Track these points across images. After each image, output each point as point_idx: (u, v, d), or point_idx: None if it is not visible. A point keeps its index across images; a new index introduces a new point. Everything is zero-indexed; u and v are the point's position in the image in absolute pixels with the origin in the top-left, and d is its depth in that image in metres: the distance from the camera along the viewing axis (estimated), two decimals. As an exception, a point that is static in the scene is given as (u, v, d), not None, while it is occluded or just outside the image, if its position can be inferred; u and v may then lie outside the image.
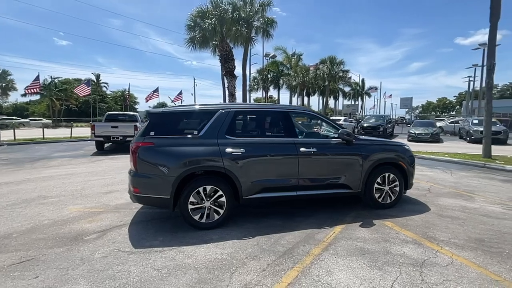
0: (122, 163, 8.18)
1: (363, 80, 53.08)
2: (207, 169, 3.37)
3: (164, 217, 3.82)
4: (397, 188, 4.20)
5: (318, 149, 3.81)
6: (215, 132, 3.48)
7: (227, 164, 3.39)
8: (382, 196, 4.13)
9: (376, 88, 54.15)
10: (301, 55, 28.73)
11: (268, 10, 16.02)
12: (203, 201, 3.36)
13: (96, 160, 9.03)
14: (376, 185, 4.06)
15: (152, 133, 3.37)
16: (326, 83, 28.20)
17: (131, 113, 12.74)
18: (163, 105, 36.04)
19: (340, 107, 52.54)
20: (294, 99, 36.99)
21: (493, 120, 13.09)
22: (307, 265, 2.55)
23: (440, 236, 3.23)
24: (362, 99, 55.87)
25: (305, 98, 39.02)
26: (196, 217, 3.35)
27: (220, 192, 3.39)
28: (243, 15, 14.46)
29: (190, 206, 3.32)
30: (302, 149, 3.74)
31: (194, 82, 48.55)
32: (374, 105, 63.10)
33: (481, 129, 11.91)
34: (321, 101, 45.66)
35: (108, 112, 13.49)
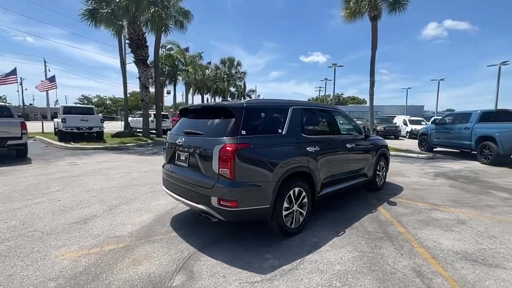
0: (35, 179, 5.49)
1: (244, 83, 58.45)
2: (298, 170, 3.12)
3: (221, 233, 3.18)
4: (386, 173, 5.42)
5: (356, 145, 4.34)
6: (294, 130, 3.27)
7: (310, 163, 3.29)
8: (378, 181, 5.19)
9: (253, 91, 61.29)
10: (201, 53, 28.08)
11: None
12: (292, 205, 3.11)
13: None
14: (377, 172, 5.07)
15: (243, 132, 2.74)
16: (226, 82, 29.15)
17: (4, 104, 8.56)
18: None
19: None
20: (190, 97, 35.66)
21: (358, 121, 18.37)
22: (404, 232, 3.04)
23: (429, 199, 4.58)
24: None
25: (198, 96, 38.52)
26: (288, 224, 3.07)
27: (304, 193, 3.24)
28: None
29: (284, 213, 2.99)
30: (348, 145, 4.14)
31: (46, 67, 36.91)
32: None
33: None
34: (214, 99, 46.49)
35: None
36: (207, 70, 28.96)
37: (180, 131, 3.31)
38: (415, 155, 10.13)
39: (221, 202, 2.62)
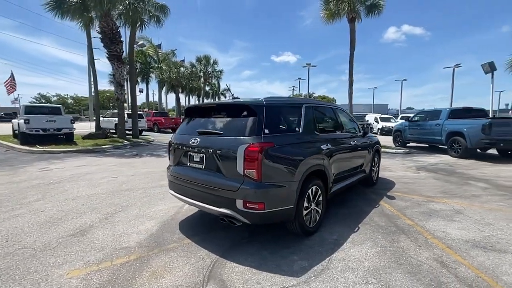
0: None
1: (218, 81, 57.66)
2: (316, 168, 3.08)
3: (237, 237, 3.05)
4: (378, 169, 5.64)
5: (357, 142, 4.44)
6: (309, 128, 3.23)
7: (324, 161, 3.28)
8: (373, 176, 5.38)
9: (228, 90, 60.98)
10: (174, 50, 26.92)
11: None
12: (310, 204, 3.07)
13: None
14: (372, 168, 5.24)
15: (266, 131, 2.63)
16: (202, 81, 28.37)
17: None
18: None
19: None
20: (164, 96, 34.16)
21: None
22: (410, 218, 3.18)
23: (421, 191, 4.86)
24: (218, 99, 60.56)
25: (172, 95, 37.14)
26: (308, 223, 3.03)
27: (319, 191, 3.22)
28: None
29: (304, 212, 2.94)
30: (351, 142, 4.22)
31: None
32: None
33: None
34: (189, 98, 45.15)
35: None
36: (182, 68, 27.92)
37: (191, 131, 3.10)
38: (393, 150, 10.75)
39: (247, 204, 2.49)
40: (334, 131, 4.07)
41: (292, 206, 2.74)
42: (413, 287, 2.16)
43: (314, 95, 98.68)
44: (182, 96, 47.32)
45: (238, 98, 3.29)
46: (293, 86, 56.54)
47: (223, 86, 60.68)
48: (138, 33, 14.85)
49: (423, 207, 4.12)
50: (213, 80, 37.47)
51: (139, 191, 4.92)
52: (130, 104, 14.97)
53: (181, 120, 3.57)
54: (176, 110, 36.00)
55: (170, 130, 22.50)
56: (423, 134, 11.08)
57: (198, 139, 2.89)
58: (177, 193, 3.17)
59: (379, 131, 22.68)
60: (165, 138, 16.93)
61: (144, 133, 17.32)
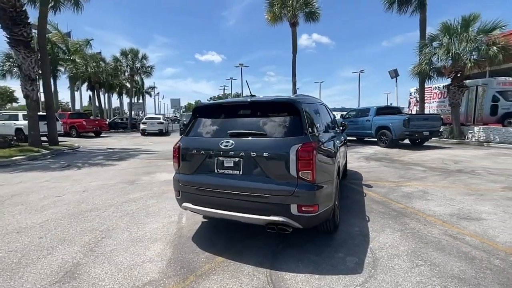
0: None
1: (142, 79, 52.28)
2: (339, 164, 3.14)
3: (269, 244, 2.87)
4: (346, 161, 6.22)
5: (343, 137, 4.76)
6: (331, 126, 3.29)
7: (339, 156, 3.40)
8: (346, 167, 5.91)
9: (153, 88, 56.30)
10: (90, 40, 22.54)
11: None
12: (336, 199, 3.12)
13: None
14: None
15: (310, 130, 2.50)
16: (126, 77, 24.92)
17: None
18: None
19: (122, 105, 48.70)
20: (78, 93, 28.45)
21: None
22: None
23: (385, 178, 5.63)
24: (143, 98, 55.02)
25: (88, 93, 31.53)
26: (336, 219, 3.07)
27: (338, 186, 3.32)
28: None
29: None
30: (342, 137, 4.50)
31: None
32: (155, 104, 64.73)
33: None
34: (110, 96, 39.16)
35: None
36: (102, 62, 23.88)
37: (217, 133, 2.70)
38: (335, 144, 12.09)
39: (303, 208, 2.34)
40: (335, 128, 4.27)
41: (332, 204, 2.73)
42: (452, 261, 2.47)
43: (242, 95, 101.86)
44: (103, 95, 41.09)
45: (255, 95, 3.06)
46: (224, 86, 56.52)
47: (148, 83, 55.70)
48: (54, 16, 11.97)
49: (398, 191, 4.79)
50: (137, 77, 33.65)
51: (110, 209, 4.00)
52: (44, 104, 11.92)
53: (185, 122, 3.06)
54: (94, 110, 30.81)
55: (94, 134, 19.20)
56: (356, 129, 12.83)
57: (233, 142, 2.54)
58: (200, 206, 2.71)
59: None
60: (92, 143, 14.34)
61: (60, 138, 14.20)
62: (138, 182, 5.70)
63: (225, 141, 2.57)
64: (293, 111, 2.54)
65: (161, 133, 19.89)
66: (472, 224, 3.29)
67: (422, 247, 2.74)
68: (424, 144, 11.85)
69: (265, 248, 2.78)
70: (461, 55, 11.17)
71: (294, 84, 13.69)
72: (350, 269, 2.39)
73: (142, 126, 19.55)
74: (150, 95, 57.04)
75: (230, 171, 2.56)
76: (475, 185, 5.06)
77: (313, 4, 12.51)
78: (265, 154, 2.41)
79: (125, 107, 47.47)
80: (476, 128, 12.19)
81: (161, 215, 3.77)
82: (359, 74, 45.17)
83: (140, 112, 51.31)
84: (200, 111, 3.00)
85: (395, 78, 17.20)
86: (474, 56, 11.30)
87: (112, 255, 2.67)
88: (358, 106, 47.89)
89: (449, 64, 11.67)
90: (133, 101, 43.23)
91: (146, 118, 20.61)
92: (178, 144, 2.91)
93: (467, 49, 10.96)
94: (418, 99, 16.44)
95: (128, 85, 40.84)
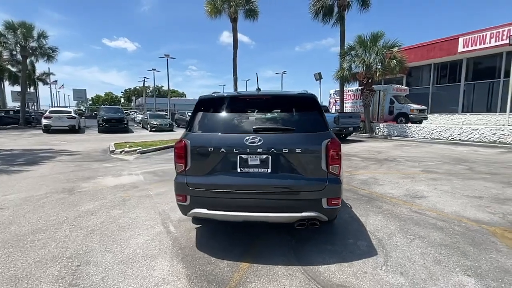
0: None
1: (33, 62, 41.49)
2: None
3: (280, 240, 2.85)
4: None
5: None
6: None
7: None
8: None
9: (48, 74, 45.89)
10: None
11: None
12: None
13: None
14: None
15: (327, 125, 2.57)
16: (22, 58, 18.91)
17: None
18: None
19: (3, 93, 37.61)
20: None
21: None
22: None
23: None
24: (35, 86, 43.97)
25: None
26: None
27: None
28: None
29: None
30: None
31: None
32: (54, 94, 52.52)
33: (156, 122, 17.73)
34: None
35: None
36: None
37: (238, 129, 2.45)
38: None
39: (332, 201, 2.41)
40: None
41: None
42: (430, 232, 3.02)
43: (163, 88, 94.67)
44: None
45: (260, 89, 2.92)
46: (145, 77, 50.84)
47: (42, 68, 44.96)
48: None
49: (355, 179, 5.48)
50: (41, 60, 26.38)
51: (63, 228, 3.11)
52: None
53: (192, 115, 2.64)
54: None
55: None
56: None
57: (260, 138, 2.35)
58: (218, 211, 2.41)
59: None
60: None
61: None
62: (80, 191, 4.60)
63: (251, 137, 2.37)
64: (315, 107, 2.57)
65: (72, 130, 16.47)
66: (423, 201, 4.10)
67: (404, 225, 3.24)
68: (347, 138, 13.88)
69: (280, 245, 2.73)
70: (372, 64, 13.56)
71: (236, 80, 13.68)
72: (366, 252, 2.61)
73: (45, 122, 15.68)
74: (45, 83, 46.00)
75: (256, 170, 2.38)
76: (403, 170, 6.30)
77: (254, 2, 12.77)
78: (297, 150, 2.36)
79: (8, 97, 36.99)
80: (381, 125, 15.09)
81: (140, 226, 3.18)
82: (282, 74, 48.87)
83: (31, 104, 41.58)
84: (209, 103, 2.65)
85: (319, 80, 19.53)
86: (379, 66, 13.91)
87: (109, 285, 2.10)
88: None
89: (363, 71, 13.98)
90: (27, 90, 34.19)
91: (51, 112, 16.63)
92: (183, 142, 2.50)
93: (376, 60, 13.39)
94: (336, 99, 19.09)
95: (13, 69, 32.06)
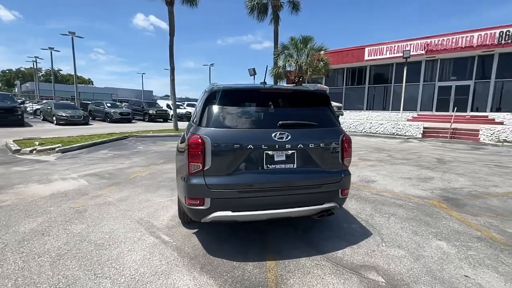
0: None
1: None
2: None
3: (291, 234, 2.94)
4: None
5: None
6: None
7: None
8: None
9: (253, 74, 31.25)
10: None
11: None
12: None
13: None
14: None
15: (336, 120, 2.73)
16: None
17: None
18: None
19: None
20: None
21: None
22: None
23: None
24: None
25: None
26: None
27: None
28: None
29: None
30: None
31: None
32: None
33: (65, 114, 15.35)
34: None
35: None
36: None
37: (262, 124, 2.32)
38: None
39: (344, 191, 2.60)
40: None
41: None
42: (397, 210, 3.64)
43: (61, 72, 78.12)
44: None
45: (266, 83, 2.85)
46: (36, 57, 39.93)
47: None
48: None
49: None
50: None
51: (9, 259, 2.27)
52: None
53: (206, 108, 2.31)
54: None
55: None
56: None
57: (288, 133, 2.29)
58: (242, 211, 2.25)
59: (172, 117, 23.98)
60: None
61: None
62: (1, 205, 3.42)
63: (278, 132, 2.29)
64: (327, 103, 2.68)
65: None
66: (376, 185, 4.88)
67: (376, 206, 3.80)
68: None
69: (289, 238, 2.79)
70: (303, 65, 14.88)
71: (172, 69, 12.54)
72: (364, 233, 2.95)
73: None
74: None
75: (282, 166, 2.34)
76: (345, 159, 7.28)
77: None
78: (321, 145, 2.43)
79: None
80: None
81: (124, 241, 2.65)
82: (210, 67, 47.84)
83: None
84: (226, 95, 2.38)
85: (253, 76, 20.07)
86: (309, 67, 15.40)
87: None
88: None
89: (296, 70, 15.19)
90: None
91: None
92: (200, 138, 2.20)
93: (307, 61, 14.76)
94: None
95: None
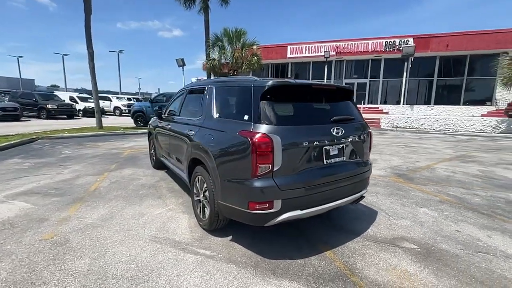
0: None
1: None
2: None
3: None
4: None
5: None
6: None
7: None
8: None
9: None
10: None
11: None
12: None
13: None
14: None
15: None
16: None
17: None
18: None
19: None
20: None
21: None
22: None
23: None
24: None
25: None
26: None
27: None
28: None
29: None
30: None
31: None
32: None
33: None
34: None
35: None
36: None
37: (316, 119, 2.38)
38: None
39: (368, 179, 2.93)
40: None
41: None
42: (380, 189, 4.33)
43: None
44: None
45: (294, 78, 2.85)
46: None
47: None
48: None
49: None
50: None
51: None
52: None
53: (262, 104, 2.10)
54: None
55: None
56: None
57: (342, 128, 2.40)
58: (308, 209, 2.26)
59: (81, 112, 19.90)
60: None
61: None
62: None
63: (335, 128, 2.37)
64: (353, 98, 2.92)
65: None
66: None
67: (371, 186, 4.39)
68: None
69: (322, 228, 2.96)
70: (238, 59, 14.97)
71: (91, 55, 10.28)
72: (371, 212, 3.40)
73: None
74: None
75: (336, 159, 2.44)
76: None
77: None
78: (362, 137, 2.66)
79: None
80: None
81: (162, 267, 2.20)
82: (118, 54, 41.77)
83: None
84: (281, 91, 2.24)
85: (182, 67, 18.67)
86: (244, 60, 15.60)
87: None
88: (120, 88, 44.49)
89: (231, 63, 15.12)
90: None
91: None
92: (267, 137, 2.04)
93: (242, 54, 14.92)
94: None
95: None
